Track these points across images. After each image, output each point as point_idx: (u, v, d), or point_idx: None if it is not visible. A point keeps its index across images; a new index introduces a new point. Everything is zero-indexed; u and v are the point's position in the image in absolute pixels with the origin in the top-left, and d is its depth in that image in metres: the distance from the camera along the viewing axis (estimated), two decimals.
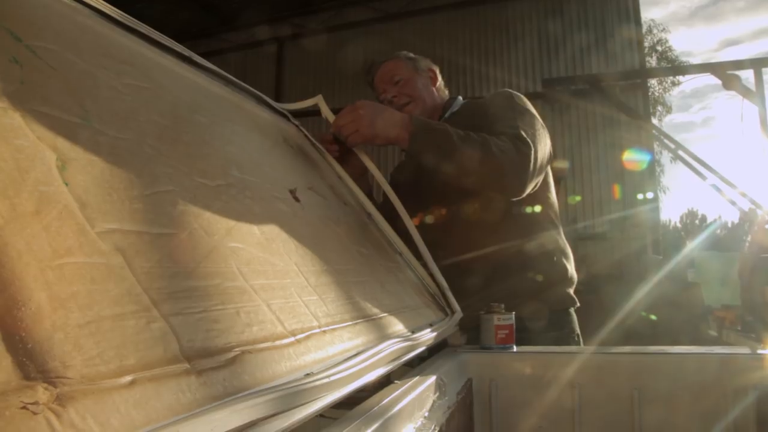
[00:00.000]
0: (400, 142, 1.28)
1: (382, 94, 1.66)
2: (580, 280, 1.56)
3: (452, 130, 1.28)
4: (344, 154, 1.39)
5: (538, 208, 1.51)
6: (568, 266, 1.52)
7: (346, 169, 1.37)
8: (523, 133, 1.33)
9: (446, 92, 1.75)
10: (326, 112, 1.41)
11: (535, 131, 1.38)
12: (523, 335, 1.21)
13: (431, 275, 1.26)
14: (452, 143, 1.25)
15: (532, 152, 1.30)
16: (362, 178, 1.46)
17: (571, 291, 1.51)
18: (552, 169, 1.58)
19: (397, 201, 1.33)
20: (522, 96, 1.54)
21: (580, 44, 7.20)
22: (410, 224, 1.31)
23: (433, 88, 1.69)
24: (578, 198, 7.06)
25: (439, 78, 1.73)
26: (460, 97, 1.71)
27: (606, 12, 7.21)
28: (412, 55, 1.71)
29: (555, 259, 1.49)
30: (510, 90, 1.57)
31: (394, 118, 1.29)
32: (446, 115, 1.63)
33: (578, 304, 1.51)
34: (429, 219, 1.52)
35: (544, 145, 1.41)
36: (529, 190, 1.35)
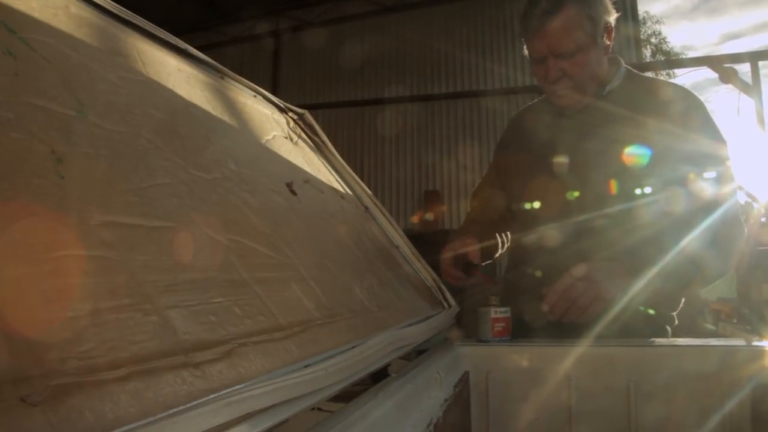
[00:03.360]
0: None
1: (539, 65, 1.25)
2: None
3: (693, 261, 1.10)
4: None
5: None
6: None
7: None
8: (741, 217, 1.21)
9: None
10: (313, 123, 1.37)
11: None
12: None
13: (427, 269, 1.26)
14: (695, 275, 1.15)
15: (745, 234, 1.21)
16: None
17: None
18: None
19: None
20: (708, 110, 1.25)
21: None
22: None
23: (603, 59, 1.27)
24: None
25: (611, 40, 1.26)
26: (622, 62, 1.33)
27: None
28: None
29: None
30: (696, 98, 1.25)
31: (620, 274, 1.11)
32: (605, 91, 1.29)
33: None
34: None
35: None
36: None
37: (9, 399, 0.27)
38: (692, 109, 1.23)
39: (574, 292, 1.07)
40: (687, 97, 1.25)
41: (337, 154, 1.37)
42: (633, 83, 1.30)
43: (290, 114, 1.36)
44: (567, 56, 1.19)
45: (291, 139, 1.20)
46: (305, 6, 8.41)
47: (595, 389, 1.02)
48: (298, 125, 1.37)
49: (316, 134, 1.39)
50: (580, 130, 1.29)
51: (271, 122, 1.16)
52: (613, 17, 1.25)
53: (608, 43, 1.25)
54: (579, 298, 1.07)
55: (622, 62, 1.33)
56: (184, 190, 0.58)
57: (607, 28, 1.24)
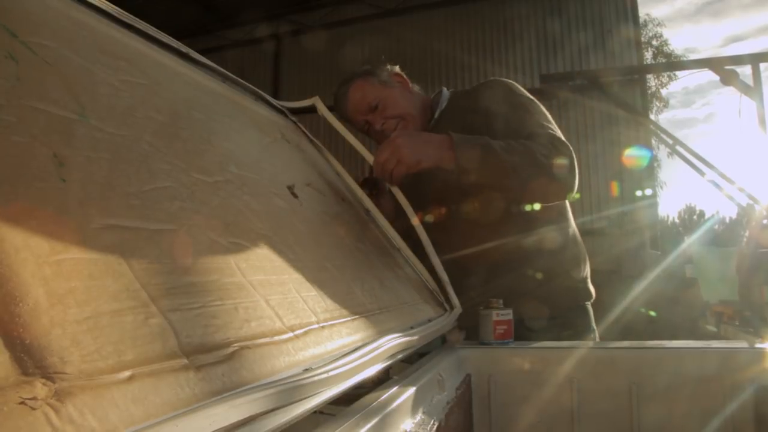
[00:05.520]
0: (445, 162, 1.21)
1: (365, 125, 1.51)
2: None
3: (494, 142, 1.21)
4: (375, 197, 1.37)
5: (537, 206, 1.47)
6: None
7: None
8: (558, 135, 1.28)
9: (418, 87, 1.61)
10: (323, 110, 1.38)
11: (555, 125, 1.35)
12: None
13: (432, 271, 1.26)
14: (496, 155, 1.19)
15: (571, 151, 1.27)
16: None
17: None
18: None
19: (412, 214, 1.31)
20: (515, 84, 1.46)
21: (578, 42, 7.19)
22: (420, 229, 1.29)
23: (410, 93, 1.55)
24: (577, 195, 7.05)
25: (406, 78, 1.58)
26: (445, 89, 1.59)
27: (604, 10, 7.20)
28: (368, 67, 1.55)
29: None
30: (501, 80, 1.48)
31: (432, 140, 1.22)
32: (436, 114, 1.53)
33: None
34: (429, 218, 1.49)
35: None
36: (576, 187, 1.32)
37: (10, 402, 0.27)
38: (494, 90, 1.44)
39: (381, 156, 1.21)
40: (491, 84, 1.47)
41: (336, 161, 1.38)
42: (456, 101, 1.53)
43: (291, 117, 1.36)
44: (378, 106, 1.47)
45: (292, 142, 1.20)
46: (305, 9, 8.43)
47: (597, 391, 1.02)
48: (299, 128, 1.37)
49: (317, 137, 1.40)
50: None
51: (272, 125, 1.16)
52: (395, 70, 1.57)
53: (401, 81, 1.55)
54: (386, 163, 1.20)
55: (444, 89, 1.58)
56: (185, 193, 0.58)
57: (396, 75, 1.55)
